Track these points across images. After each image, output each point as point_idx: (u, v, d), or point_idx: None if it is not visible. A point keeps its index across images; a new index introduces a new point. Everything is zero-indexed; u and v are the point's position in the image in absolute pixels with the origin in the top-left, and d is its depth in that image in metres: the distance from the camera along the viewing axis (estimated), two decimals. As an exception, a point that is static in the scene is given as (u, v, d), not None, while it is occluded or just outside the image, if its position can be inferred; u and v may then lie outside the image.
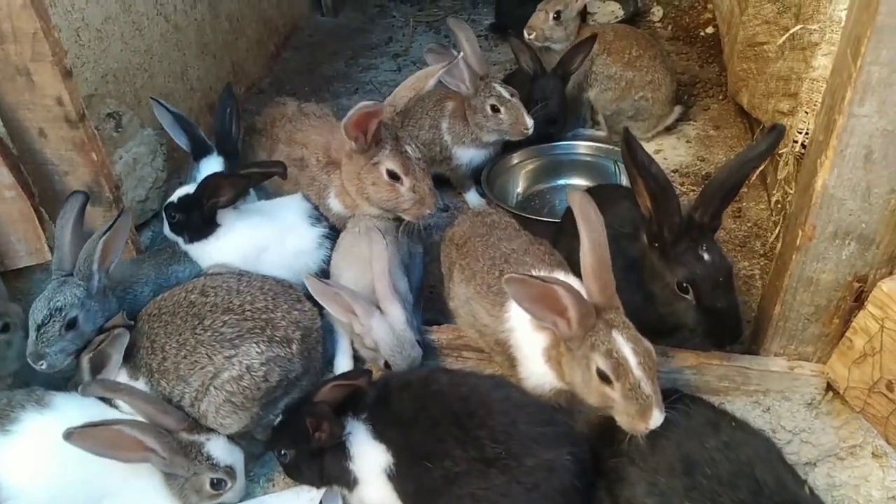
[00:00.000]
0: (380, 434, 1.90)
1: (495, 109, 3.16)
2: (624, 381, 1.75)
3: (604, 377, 1.78)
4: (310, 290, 2.22)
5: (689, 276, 2.07)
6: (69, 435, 1.84)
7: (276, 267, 2.46)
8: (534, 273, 2.04)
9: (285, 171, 2.48)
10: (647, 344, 1.81)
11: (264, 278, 2.34)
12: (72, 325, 2.14)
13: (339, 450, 1.93)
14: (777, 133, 2.14)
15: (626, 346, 1.77)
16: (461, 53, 3.08)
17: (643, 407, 1.74)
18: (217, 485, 2.08)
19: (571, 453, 1.82)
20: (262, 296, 2.24)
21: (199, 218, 2.44)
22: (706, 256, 2.07)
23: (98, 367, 2.14)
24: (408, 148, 2.55)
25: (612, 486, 1.86)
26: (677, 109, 3.75)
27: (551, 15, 3.59)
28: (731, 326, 2.13)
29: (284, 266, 2.49)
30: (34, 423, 1.99)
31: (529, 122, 3.15)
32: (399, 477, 1.87)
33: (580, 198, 1.88)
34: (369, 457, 1.90)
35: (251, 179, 2.47)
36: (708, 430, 1.79)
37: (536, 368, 2.02)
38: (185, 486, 2.05)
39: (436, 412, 1.85)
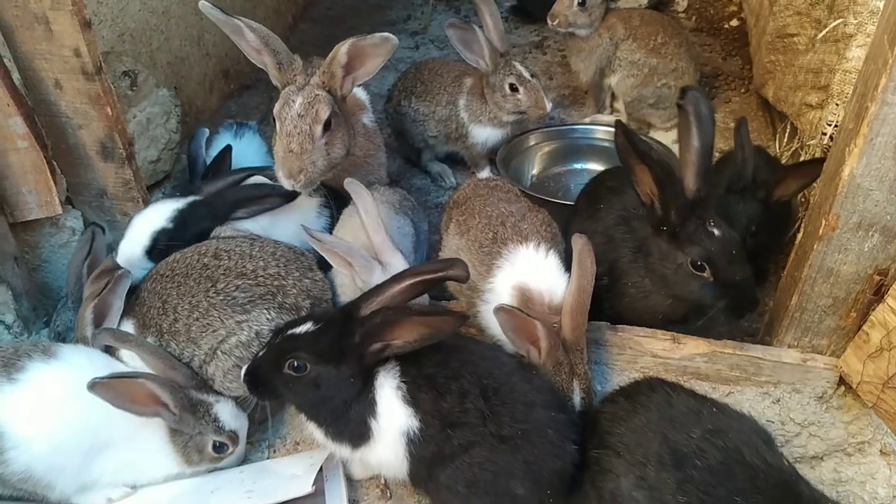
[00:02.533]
0: (412, 398, 1.82)
1: (514, 89, 3.09)
2: None
3: None
4: (309, 241, 2.18)
5: (704, 253, 2.06)
6: (93, 385, 1.83)
7: (285, 237, 2.44)
8: (521, 309, 2.05)
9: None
10: (592, 392, 2.09)
11: (276, 244, 2.31)
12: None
13: (367, 406, 1.84)
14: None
15: (577, 396, 2.04)
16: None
17: None
18: (219, 448, 2.06)
19: (576, 443, 1.87)
20: (275, 262, 2.22)
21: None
22: (716, 232, 2.06)
23: (100, 316, 2.12)
24: None
25: (595, 477, 1.84)
26: (698, 100, 3.70)
27: (576, 1, 3.50)
28: (751, 296, 2.12)
29: (290, 236, 2.47)
30: (41, 373, 1.97)
31: (549, 104, 3.09)
32: (421, 441, 1.83)
33: (582, 244, 2.06)
34: (395, 418, 1.84)
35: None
36: (691, 418, 1.79)
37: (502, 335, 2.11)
38: (188, 444, 2.04)
39: (466, 383, 1.82)
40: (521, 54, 4.53)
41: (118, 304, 2.14)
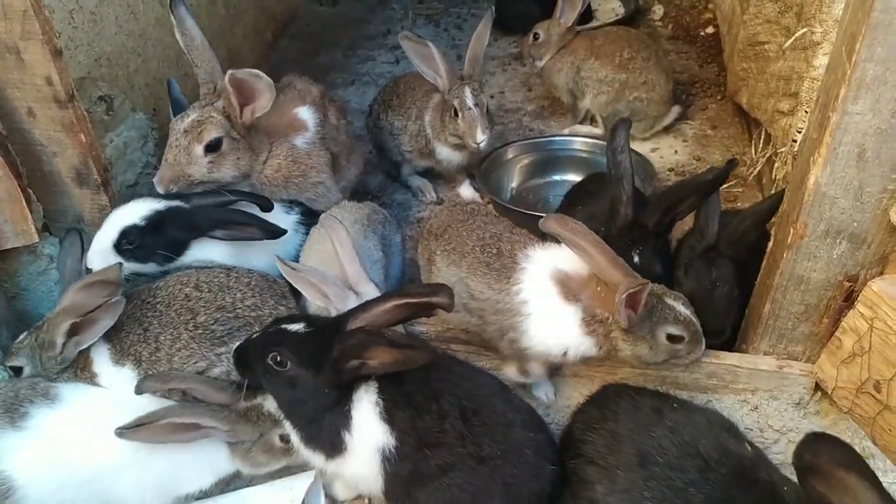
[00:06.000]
0: (389, 416, 1.83)
1: (455, 113, 3.02)
2: (690, 332, 2.03)
3: (675, 339, 2.02)
4: (283, 273, 2.18)
5: None
6: (122, 434, 1.87)
7: (261, 249, 2.47)
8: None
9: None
10: (679, 294, 2.09)
11: (250, 273, 2.35)
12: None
13: (342, 417, 1.84)
14: (730, 165, 2.33)
15: (679, 304, 2.03)
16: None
17: (700, 340, 2.08)
18: (287, 438, 2.02)
19: (554, 463, 1.89)
20: (251, 292, 2.27)
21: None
22: (636, 259, 2.22)
23: (79, 327, 2.10)
24: None
25: (575, 488, 1.87)
26: (675, 109, 3.74)
27: (531, 38, 3.77)
28: None
29: (268, 249, 2.48)
30: (45, 419, 1.97)
31: (481, 136, 2.97)
32: (396, 460, 1.83)
33: (554, 219, 2.07)
34: (370, 434, 1.84)
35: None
36: (654, 417, 1.85)
37: (564, 339, 2.09)
38: (251, 450, 2.05)
39: (446, 404, 1.83)
40: (500, 66, 4.56)
41: (107, 323, 2.10)
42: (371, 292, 2.14)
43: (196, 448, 2.06)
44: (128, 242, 2.32)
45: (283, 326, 1.86)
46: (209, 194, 2.50)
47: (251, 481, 2.21)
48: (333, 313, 2.09)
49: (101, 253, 2.33)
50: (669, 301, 2.02)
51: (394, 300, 1.87)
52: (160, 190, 2.46)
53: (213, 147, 2.47)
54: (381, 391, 1.85)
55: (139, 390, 1.99)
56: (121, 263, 2.25)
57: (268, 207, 2.51)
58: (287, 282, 2.23)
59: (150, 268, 2.39)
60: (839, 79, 1.73)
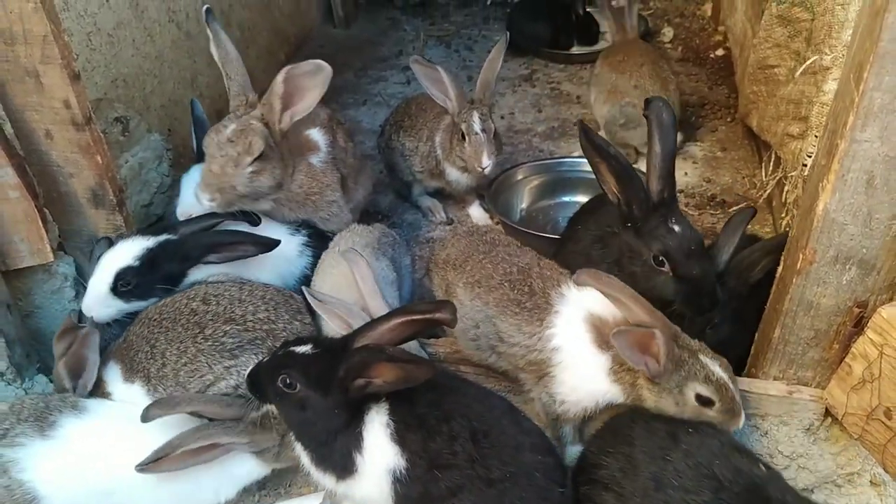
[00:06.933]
0: (400, 437, 1.82)
1: (462, 137, 3.06)
2: (724, 399, 1.90)
3: (705, 401, 1.90)
4: (311, 304, 2.19)
5: (663, 248, 2.15)
6: (143, 469, 1.89)
7: (265, 271, 2.50)
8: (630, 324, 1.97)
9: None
10: (720, 357, 1.95)
11: (266, 287, 2.35)
12: None
13: (354, 439, 1.84)
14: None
15: (716, 365, 1.91)
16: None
17: (736, 413, 1.92)
18: None
19: (563, 486, 1.88)
20: (264, 306, 2.26)
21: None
22: (676, 228, 2.17)
23: (76, 369, 2.13)
24: None
25: None
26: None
27: None
28: (708, 293, 2.17)
29: (273, 271, 2.50)
30: (73, 428, 2.00)
31: (486, 162, 3.01)
32: (407, 481, 1.82)
33: (588, 275, 2.00)
34: (381, 456, 1.83)
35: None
36: (669, 442, 1.84)
37: (593, 387, 2.05)
38: (280, 453, 2.06)
39: (456, 426, 1.83)
40: (510, 87, 4.60)
41: (93, 357, 2.15)
42: None
43: (215, 461, 2.05)
44: (124, 284, 2.34)
45: (291, 349, 1.87)
46: (196, 220, 2.51)
47: (260, 501, 2.22)
48: None
49: (98, 299, 2.34)
50: (704, 359, 1.91)
51: (398, 318, 1.88)
52: (205, 199, 2.42)
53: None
54: (392, 412, 1.85)
55: (145, 418, 1.97)
56: (70, 314, 2.27)
57: (255, 222, 2.53)
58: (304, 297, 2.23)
59: (151, 302, 2.39)
60: (847, 106, 1.74)
